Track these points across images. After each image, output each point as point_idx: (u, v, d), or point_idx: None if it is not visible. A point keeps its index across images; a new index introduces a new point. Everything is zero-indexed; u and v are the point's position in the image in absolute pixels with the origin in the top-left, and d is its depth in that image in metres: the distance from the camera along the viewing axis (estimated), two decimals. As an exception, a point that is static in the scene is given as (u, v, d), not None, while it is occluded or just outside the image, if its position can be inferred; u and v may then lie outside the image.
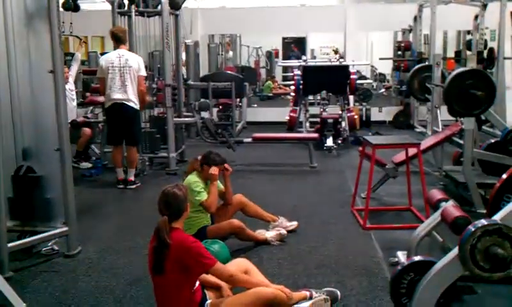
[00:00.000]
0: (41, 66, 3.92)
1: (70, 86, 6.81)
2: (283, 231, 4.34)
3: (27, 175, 4.03)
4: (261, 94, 14.04)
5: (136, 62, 5.95)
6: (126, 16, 6.84)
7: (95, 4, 11.42)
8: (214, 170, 4.08)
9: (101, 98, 6.66)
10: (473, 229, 2.12)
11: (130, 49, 6.55)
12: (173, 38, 7.14)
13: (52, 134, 3.94)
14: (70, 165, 4.05)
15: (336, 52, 12.35)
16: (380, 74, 14.37)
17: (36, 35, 3.98)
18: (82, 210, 4.85)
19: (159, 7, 6.72)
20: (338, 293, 3.23)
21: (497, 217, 2.21)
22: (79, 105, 7.69)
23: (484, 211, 4.55)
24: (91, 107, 7.99)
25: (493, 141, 5.56)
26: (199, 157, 4.20)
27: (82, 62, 8.52)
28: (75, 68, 7.29)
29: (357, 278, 3.59)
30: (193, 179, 4.09)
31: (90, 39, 14.21)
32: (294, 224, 4.51)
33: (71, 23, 7.83)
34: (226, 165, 4.23)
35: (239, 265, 3.08)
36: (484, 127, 6.82)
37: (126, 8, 6.82)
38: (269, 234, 4.27)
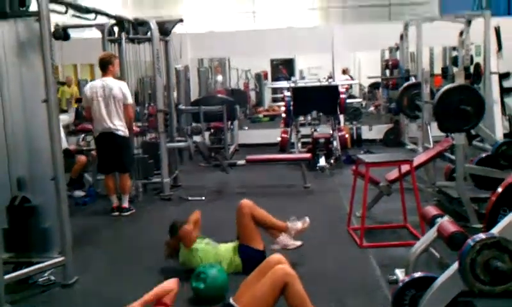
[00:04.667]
0: (34, 95, 3.94)
1: None
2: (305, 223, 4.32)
3: (22, 205, 4.00)
4: (252, 116, 14.10)
5: (120, 92, 5.90)
6: (116, 44, 6.88)
7: (83, 32, 11.47)
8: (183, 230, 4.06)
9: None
10: (472, 244, 2.14)
11: (121, 76, 6.58)
12: (163, 63, 7.19)
13: (46, 163, 3.94)
14: (65, 194, 4.03)
15: (344, 72, 12.45)
16: (369, 92, 14.51)
17: (28, 64, 4.01)
18: (78, 239, 4.81)
19: (149, 33, 6.78)
20: None
21: (495, 231, 2.23)
22: (71, 133, 7.69)
23: (479, 225, 4.58)
24: (83, 135, 8.00)
25: (484, 155, 5.62)
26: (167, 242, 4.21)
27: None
28: (66, 118, 7.30)
29: (356, 297, 3.59)
30: (185, 257, 4.09)
31: (79, 67, 14.27)
32: (297, 243, 4.33)
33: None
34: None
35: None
36: (474, 142, 6.88)
37: (116, 35, 6.86)
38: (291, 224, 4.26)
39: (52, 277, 4.06)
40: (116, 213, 6.02)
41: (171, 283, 3.10)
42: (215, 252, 4.09)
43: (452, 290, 2.29)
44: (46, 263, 3.91)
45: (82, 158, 6.99)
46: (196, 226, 4.14)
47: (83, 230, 5.42)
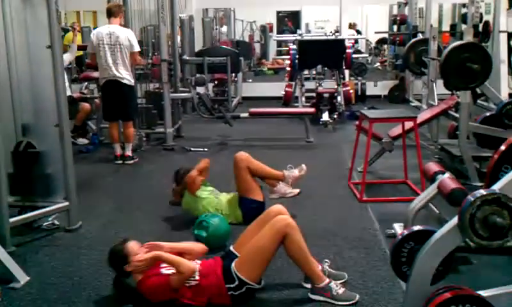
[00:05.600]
0: (38, 41, 3.90)
1: None
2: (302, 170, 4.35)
3: (27, 151, 4.03)
4: (256, 69, 13.99)
5: (127, 40, 5.89)
6: (121, -9, 6.78)
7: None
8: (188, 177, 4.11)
9: (96, 74, 6.63)
10: (472, 199, 2.16)
11: (126, 24, 6.51)
12: (168, 12, 7.10)
13: (51, 110, 3.94)
14: (69, 140, 4.06)
15: (351, 26, 12.17)
16: (375, 48, 14.35)
17: (33, 10, 3.95)
18: (81, 186, 4.85)
19: (154, -19, 6.68)
20: (346, 275, 3.21)
21: (496, 187, 2.25)
22: (74, 81, 7.66)
23: (479, 184, 4.62)
24: (86, 83, 7.97)
25: (488, 114, 5.60)
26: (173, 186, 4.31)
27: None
28: (68, 56, 7.12)
29: (354, 249, 3.65)
30: (189, 204, 4.17)
31: (82, 14, 14.06)
32: (295, 191, 4.40)
33: None
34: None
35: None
36: (478, 101, 6.85)
37: (121, -18, 6.75)
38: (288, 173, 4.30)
39: (56, 222, 4.13)
40: (120, 162, 6.08)
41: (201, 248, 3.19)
42: (216, 202, 4.15)
43: (450, 244, 2.32)
44: (50, 208, 3.98)
45: (86, 105, 7.01)
46: (202, 173, 4.18)
47: (87, 177, 5.47)
